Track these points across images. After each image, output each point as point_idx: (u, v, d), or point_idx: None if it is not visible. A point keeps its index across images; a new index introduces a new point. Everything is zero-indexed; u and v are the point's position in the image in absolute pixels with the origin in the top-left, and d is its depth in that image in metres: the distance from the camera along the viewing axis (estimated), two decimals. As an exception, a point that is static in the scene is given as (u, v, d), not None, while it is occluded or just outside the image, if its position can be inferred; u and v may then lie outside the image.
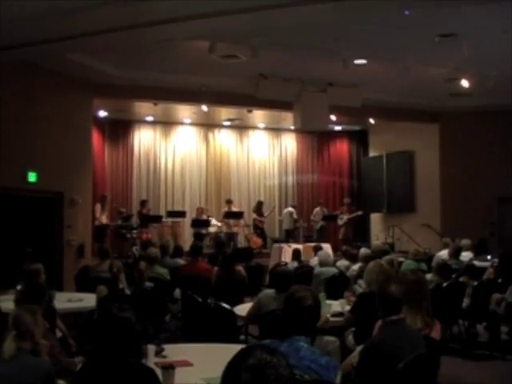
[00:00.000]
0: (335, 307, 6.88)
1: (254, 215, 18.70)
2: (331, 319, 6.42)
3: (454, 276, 8.61)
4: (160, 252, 9.65)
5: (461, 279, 8.54)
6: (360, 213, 18.93)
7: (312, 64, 13.02)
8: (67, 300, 7.59)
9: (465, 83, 14.10)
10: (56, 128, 12.71)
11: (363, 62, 12.85)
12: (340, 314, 6.60)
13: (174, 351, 5.00)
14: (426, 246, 15.69)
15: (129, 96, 14.86)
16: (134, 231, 16.40)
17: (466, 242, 12.76)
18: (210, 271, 9.00)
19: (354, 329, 6.17)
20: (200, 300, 6.99)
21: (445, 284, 8.29)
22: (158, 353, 4.83)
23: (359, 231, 19.73)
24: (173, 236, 16.97)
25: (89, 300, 7.36)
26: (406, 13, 9.87)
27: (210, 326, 6.17)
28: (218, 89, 14.45)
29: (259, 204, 18.94)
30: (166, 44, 11.45)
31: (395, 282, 4.34)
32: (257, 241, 17.99)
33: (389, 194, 19.18)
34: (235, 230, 17.94)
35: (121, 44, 11.22)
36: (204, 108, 15.82)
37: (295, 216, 18.43)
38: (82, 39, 10.47)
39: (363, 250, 9.92)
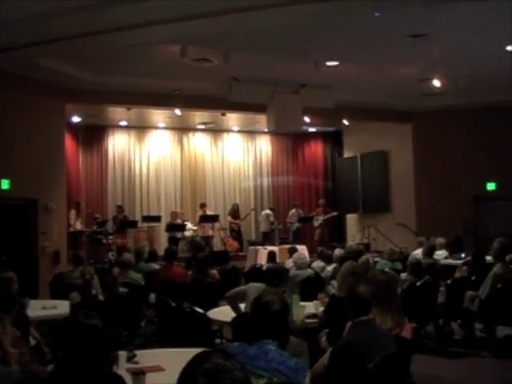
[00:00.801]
0: (309, 309, 6.91)
1: (230, 218, 18.70)
2: (306, 321, 6.46)
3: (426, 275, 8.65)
4: (134, 257, 9.62)
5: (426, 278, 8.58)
6: (335, 214, 19.01)
7: (284, 66, 13.02)
8: (41, 307, 7.52)
9: (437, 83, 14.24)
10: (29, 134, 12.60)
11: (335, 63, 12.88)
12: (314, 316, 6.62)
13: (147, 357, 4.98)
14: (402, 245, 15.80)
15: (101, 101, 14.76)
16: (110, 237, 16.34)
17: (440, 240, 12.89)
18: (184, 275, 9.00)
19: (327, 330, 6.18)
20: (174, 304, 6.96)
21: (418, 283, 8.34)
22: (130, 359, 4.81)
23: (335, 232, 19.80)
24: (149, 241, 16.95)
25: (63, 307, 7.33)
26: (377, 14, 9.92)
27: (184, 331, 6.16)
28: (190, 92, 14.43)
29: (235, 207, 18.96)
30: (138, 48, 11.37)
31: (364, 282, 4.36)
32: (233, 244, 17.99)
33: (364, 194, 19.30)
34: (211, 233, 17.92)
35: (92, 49, 11.16)
36: (177, 112, 15.79)
37: (272, 218, 18.44)
38: (53, 45, 10.42)
39: (337, 251, 9.97)
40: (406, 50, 11.86)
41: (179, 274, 9.20)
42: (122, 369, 4.36)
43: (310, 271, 9.55)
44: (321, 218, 18.91)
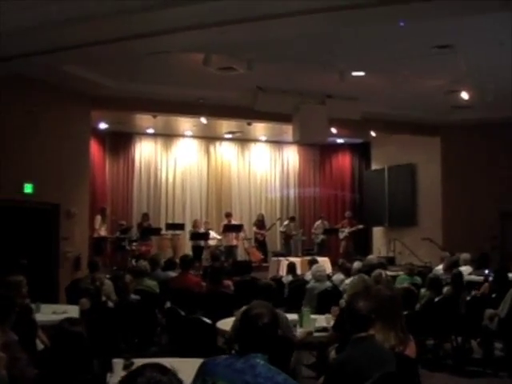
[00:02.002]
0: (321, 322, 6.78)
1: (255, 228, 18.62)
2: (315, 334, 6.35)
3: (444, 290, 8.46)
4: (149, 265, 9.57)
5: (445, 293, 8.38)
6: (361, 226, 18.85)
7: (310, 76, 12.95)
8: (52, 312, 7.51)
9: (464, 95, 14.04)
10: (53, 140, 12.69)
11: (361, 74, 12.77)
12: (324, 329, 6.49)
13: None
14: (427, 260, 15.58)
15: (126, 108, 14.82)
16: (134, 244, 16.35)
17: (465, 256, 12.61)
18: (199, 284, 8.95)
19: (337, 345, 6.04)
20: (183, 313, 6.89)
21: (437, 299, 8.15)
22: (127, 367, 4.73)
23: (361, 245, 19.56)
24: (172, 248, 16.94)
25: (73, 312, 7.31)
26: (402, 24, 9.78)
27: (190, 340, 6.07)
28: (216, 101, 14.43)
29: (260, 217, 18.88)
30: (162, 56, 11.39)
31: (364, 298, 4.22)
32: (257, 254, 17.88)
33: (390, 207, 19.08)
34: (235, 243, 17.84)
35: (116, 55, 11.19)
36: (203, 120, 15.79)
37: (282, 228, 18.59)
38: (78, 51, 10.42)
39: (356, 264, 9.83)
40: (432, 61, 11.68)
41: (194, 282, 9.13)
42: (118, 377, 4.28)
43: (328, 284, 9.42)
44: (346, 231, 18.77)
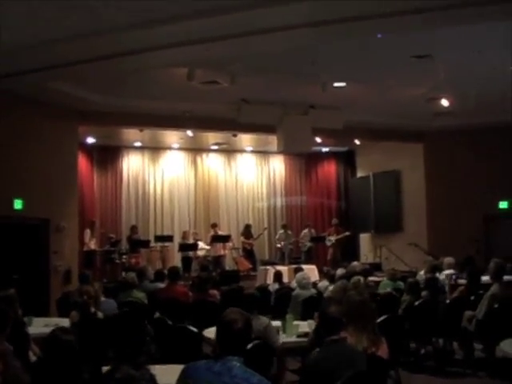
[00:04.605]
0: (303, 328, 7.00)
1: (242, 238, 18.81)
2: (297, 339, 6.57)
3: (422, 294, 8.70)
4: (137, 277, 9.75)
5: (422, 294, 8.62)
6: (348, 233, 19.06)
7: (292, 88, 13.16)
8: (44, 325, 7.67)
9: (445, 102, 14.30)
10: (41, 155, 12.86)
11: (342, 84, 13.02)
12: (306, 335, 6.70)
13: None
14: (413, 265, 15.79)
15: (113, 123, 15.04)
16: (124, 256, 16.51)
17: (448, 259, 12.80)
18: (185, 295, 9.16)
19: (318, 349, 6.26)
20: (170, 323, 7.09)
21: (416, 303, 8.38)
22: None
23: (348, 252, 19.68)
24: (161, 260, 17.10)
25: (64, 325, 7.47)
26: (379, 36, 10.04)
27: (177, 348, 6.28)
28: (201, 114, 14.61)
29: (247, 227, 19.08)
30: (147, 71, 11.65)
31: (335, 303, 4.46)
32: (245, 264, 18.05)
33: (376, 213, 19.31)
34: (222, 252, 18.03)
35: (101, 72, 11.43)
36: (189, 133, 16.01)
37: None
38: (63, 69, 10.65)
39: (339, 271, 10.04)
40: (412, 70, 11.94)
41: (181, 293, 9.33)
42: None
43: (312, 291, 9.62)
44: (333, 238, 18.97)
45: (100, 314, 7.45)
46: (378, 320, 6.77)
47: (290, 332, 6.76)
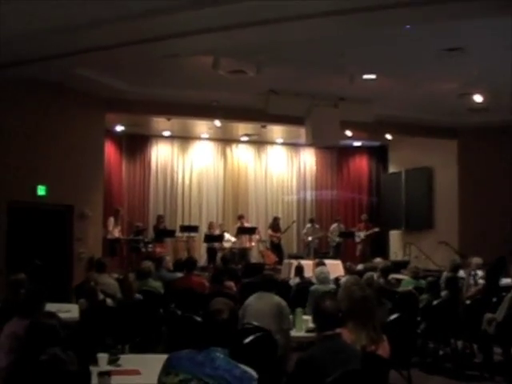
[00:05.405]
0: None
1: (270, 231, 18.65)
2: (306, 334, 6.41)
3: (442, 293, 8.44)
4: (154, 266, 9.69)
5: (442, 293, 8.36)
6: (377, 229, 18.77)
7: (322, 79, 12.97)
8: (56, 311, 7.64)
9: (478, 98, 13.95)
10: (67, 142, 12.88)
11: (372, 76, 12.77)
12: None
13: (132, 360, 5.20)
14: (443, 264, 15.46)
15: (140, 111, 14.98)
16: (149, 245, 16.48)
17: (476, 259, 12.45)
18: (202, 285, 9.07)
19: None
20: (179, 313, 7.01)
21: (435, 302, 8.14)
22: (113, 361, 4.91)
23: (378, 248, 19.42)
24: (187, 251, 17.04)
25: (76, 311, 7.49)
26: (407, 27, 9.79)
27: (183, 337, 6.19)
28: (229, 104, 14.49)
29: (275, 220, 18.91)
30: (175, 59, 11.52)
31: (331, 298, 4.29)
32: (271, 257, 17.88)
33: (407, 210, 19.01)
34: (248, 245, 17.90)
35: (128, 59, 11.36)
36: (217, 123, 15.91)
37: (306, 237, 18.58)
38: (90, 54, 10.61)
39: (359, 266, 9.83)
40: (443, 63, 11.63)
41: (198, 283, 9.26)
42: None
43: (331, 286, 9.41)
44: (362, 234, 18.72)
45: (110, 302, 7.40)
46: (391, 318, 6.62)
47: (300, 327, 6.59)
